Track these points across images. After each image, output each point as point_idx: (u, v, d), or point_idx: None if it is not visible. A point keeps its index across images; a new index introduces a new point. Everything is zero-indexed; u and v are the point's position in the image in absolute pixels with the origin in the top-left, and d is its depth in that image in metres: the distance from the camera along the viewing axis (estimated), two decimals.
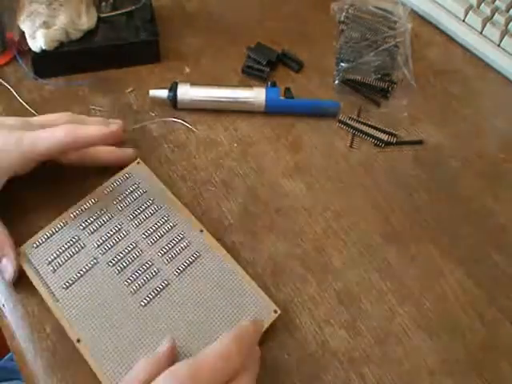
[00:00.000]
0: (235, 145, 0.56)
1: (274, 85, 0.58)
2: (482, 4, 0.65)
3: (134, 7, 0.61)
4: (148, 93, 0.57)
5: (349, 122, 0.58)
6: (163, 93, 0.57)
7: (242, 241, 0.49)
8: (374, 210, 0.52)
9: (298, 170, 0.55)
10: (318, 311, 0.46)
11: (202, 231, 0.48)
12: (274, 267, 0.48)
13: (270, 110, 0.58)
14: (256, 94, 0.57)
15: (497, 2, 0.65)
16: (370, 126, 0.58)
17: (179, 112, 0.57)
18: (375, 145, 0.57)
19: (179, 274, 0.45)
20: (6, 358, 0.73)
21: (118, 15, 0.61)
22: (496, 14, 0.64)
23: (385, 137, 0.57)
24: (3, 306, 0.45)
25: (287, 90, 0.58)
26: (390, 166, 0.56)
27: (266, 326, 0.43)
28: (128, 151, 0.52)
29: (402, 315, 0.46)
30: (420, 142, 0.57)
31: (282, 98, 0.57)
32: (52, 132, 0.46)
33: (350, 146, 0.56)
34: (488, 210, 0.53)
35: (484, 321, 0.46)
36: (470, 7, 0.65)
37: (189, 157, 0.55)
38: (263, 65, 0.61)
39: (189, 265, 0.46)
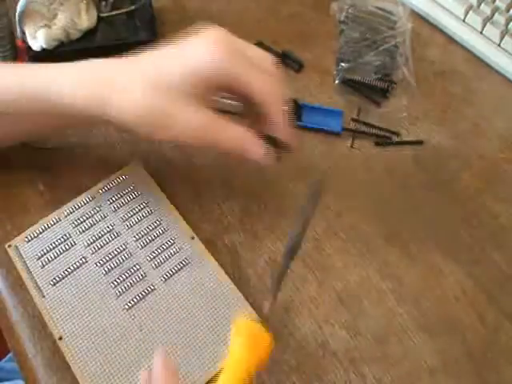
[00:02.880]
0: None
1: None
2: (482, 4, 0.65)
3: (133, 7, 0.61)
4: None
5: (351, 122, 0.57)
6: None
7: (242, 241, 0.49)
8: (374, 210, 0.52)
9: (298, 170, 0.54)
10: (318, 311, 0.46)
11: (193, 238, 0.48)
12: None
13: None
14: None
15: (497, 2, 0.65)
16: (370, 125, 0.58)
17: None
18: (375, 144, 0.57)
19: (166, 280, 0.45)
20: (6, 358, 0.73)
21: (118, 15, 0.61)
22: (496, 13, 0.64)
23: (385, 136, 0.57)
24: (3, 306, 0.45)
25: None
26: (390, 166, 0.56)
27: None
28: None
29: (401, 315, 0.46)
30: (420, 143, 0.57)
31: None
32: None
33: (351, 146, 0.56)
34: (488, 210, 0.53)
35: (484, 321, 0.46)
36: (470, 7, 0.65)
37: (189, 157, 0.55)
38: None
39: (176, 272, 0.46)
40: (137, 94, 0.41)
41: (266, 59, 0.44)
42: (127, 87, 0.42)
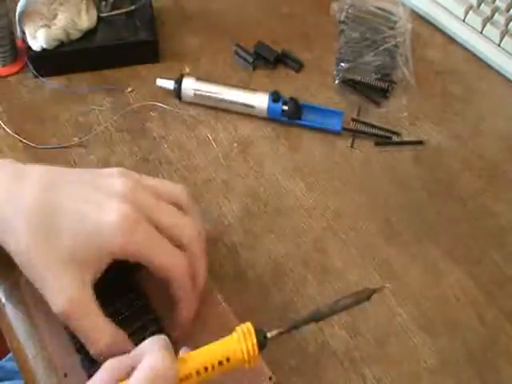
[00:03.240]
0: (235, 145, 0.56)
1: (276, 98, 0.56)
2: (482, 4, 0.65)
3: (133, 7, 0.61)
4: (155, 82, 0.58)
5: (351, 122, 0.57)
6: (169, 83, 0.57)
7: (242, 241, 0.49)
8: (374, 210, 0.52)
9: (298, 169, 0.55)
10: None
11: None
12: (274, 267, 0.48)
13: (272, 119, 0.58)
14: (259, 102, 0.56)
15: (497, 2, 0.65)
16: (370, 125, 0.58)
17: (180, 111, 0.58)
18: (375, 144, 0.57)
19: None
20: (6, 357, 0.73)
21: (118, 15, 0.61)
22: (496, 13, 0.64)
23: (385, 136, 0.57)
24: (3, 306, 0.45)
25: (274, 93, 0.56)
26: (390, 166, 0.56)
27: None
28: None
29: (401, 315, 0.46)
30: (420, 143, 0.57)
31: (284, 118, 0.57)
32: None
33: (351, 146, 0.56)
34: (488, 210, 0.53)
35: (484, 321, 0.46)
36: (470, 7, 0.65)
37: (189, 157, 0.55)
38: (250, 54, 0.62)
39: None
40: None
41: (179, 193, 0.41)
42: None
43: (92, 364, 0.38)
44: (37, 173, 0.39)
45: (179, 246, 0.39)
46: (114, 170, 0.40)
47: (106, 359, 0.34)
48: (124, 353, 0.35)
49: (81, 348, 0.38)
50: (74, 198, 0.38)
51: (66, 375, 0.40)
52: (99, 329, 0.36)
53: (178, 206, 0.40)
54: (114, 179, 0.39)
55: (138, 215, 0.37)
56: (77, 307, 0.36)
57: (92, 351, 0.37)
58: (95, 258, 0.37)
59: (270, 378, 0.41)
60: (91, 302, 0.36)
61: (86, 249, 0.36)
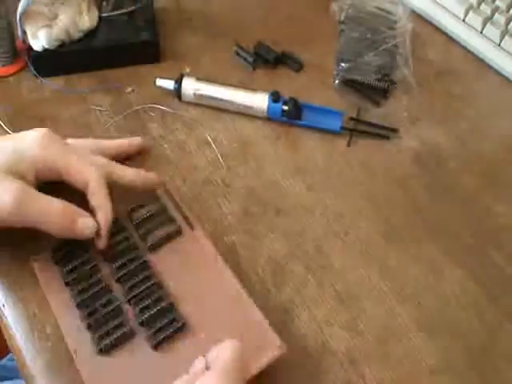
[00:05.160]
0: (235, 145, 0.56)
1: (276, 98, 0.56)
2: (482, 4, 0.65)
3: (134, 7, 0.61)
4: (154, 82, 0.58)
5: (349, 122, 0.58)
6: (169, 84, 0.58)
7: (241, 241, 0.49)
8: (374, 210, 0.52)
9: (297, 169, 0.55)
10: (318, 311, 0.46)
11: None
12: (274, 267, 0.48)
13: (272, 120, 0.58)
14: (259, 102, 0.57)
15: (497, 2, 0.65)
16: (367, 123, 0.58)
17: (180, 111, 0.58)
18: (375, 144, 0.57)
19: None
20: (7, 356, 0.73)
21: (119, 15, 0.61)
22: (496, 13, 0.64)
23: (383, 135, 0.57)
24: (3, 305, 0.45)
25: (274, 93, 0.56)
26: (390, 166, 0.56)
27: None
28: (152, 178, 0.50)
29: (401, 315, 0.46)
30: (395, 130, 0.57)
31: (283, 118, 0.57)
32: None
33: (348, 145, 0.56)
34: (488, 210, 0.53)
35: (484, 321, 0.46)
36: (470, 7, 0.65)
37: (189, 157, 0.55)
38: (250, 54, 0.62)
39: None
40: None
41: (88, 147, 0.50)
42: None
43: (101, 340, 0.41)
44: None
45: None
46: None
47: (68, 235, 0.44)
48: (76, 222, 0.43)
49: (91, 326, 0.41)
50: (4, 138, 0.48)
51: (75, 351, 0.41)
52: (47, 207, 0.43)
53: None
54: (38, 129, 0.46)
55: (55, 136, 0.45)
56: (22, 194, 0.42)
57: (51, 232, 0.43)
58: (24, 167, 0.44)
59: (280, 348, 0.42)
60: (35, 192, 0.43)
61: (15, 162, 0.44)
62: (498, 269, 0.50)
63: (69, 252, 0.45)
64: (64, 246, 0.45)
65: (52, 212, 0.43)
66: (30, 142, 0.44)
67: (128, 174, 0.48)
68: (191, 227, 0.47)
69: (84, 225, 0.44)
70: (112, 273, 0.44)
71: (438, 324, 0.46)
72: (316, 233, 0.50)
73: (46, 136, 0.45)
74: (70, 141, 0.48)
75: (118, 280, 0.44)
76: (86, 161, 0.46)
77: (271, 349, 0.41)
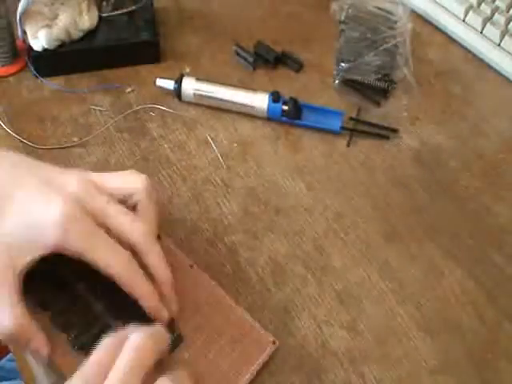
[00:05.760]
0: (235, 145, 0.56)
1: (276, 98, 0.56)
2: (482, 4, 0.65)
3: (134, 7, 0.61)
4: (154, 82, 0.58)
5: (349, 122, 0.58)
6: (169, 83, 0.58)
7: (241, 241, 0.49)
8: (374, 210, 0.52)
9: (297, 169, 0.55)
10: (318, 311, 0.46)
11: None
12: (274, 267, 0.48)
13: (272, 120, 0.58)
14: (259, 102, 0.56)
15: (497, 2, 0.65)
16: (367, 123, 0.58)
17: (180, 111, 0.58)
18: (375, 144, 0.57)
19: None
20: (6, 357, 0.73)
21: (119, 15, 0.61)
22: (496, 13, 0.64)
23: (383, 135, 0.57)
24: None
25: (274, 93, 0.56)
26: (390, 166, 0.56)
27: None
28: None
29: (401, 315, 0.46)
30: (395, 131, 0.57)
31: (283, 118, 0.57)
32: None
33: (347, 145, 0.56)
34: (488, 210, 0.53)
35: (484, 321, 0.46)
36: (470, 7, 0.65)
37: (189, 157, 0.55)
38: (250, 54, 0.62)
39: None
40: None
41: (134, 190, 0.41)
42: None
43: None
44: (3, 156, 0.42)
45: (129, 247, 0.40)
46: (75, 171, 0.41)
47: (9, 342, 0.39)
48: (28, 338, 0.37)
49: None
50: (28, 188, 0.39)
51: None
52: (7, 310, 0.37)
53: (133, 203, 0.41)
54: (70, 178, 0.40)
55: (79, 216, 0.38)
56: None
57: None
58: (29, 247, 0.38)
59: (274, 343, 0.42)
60: (9, 286, 0.37)
61: (23, 236, 0.37)
62: (497, 269, 0.50)
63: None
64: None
65: (4, 319, 0.37)
66: (51, 221, 0.37)
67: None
68: (158, 237, 0.42)
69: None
70: (89, 289, 0.42)
71: (437, 324, 0.46)
72: (316, 233, 0.50)
73: (71, 217, 0.37)
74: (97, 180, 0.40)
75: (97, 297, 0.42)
76: (114, 248, 0.39)
77: (265, 345, 0.41)
